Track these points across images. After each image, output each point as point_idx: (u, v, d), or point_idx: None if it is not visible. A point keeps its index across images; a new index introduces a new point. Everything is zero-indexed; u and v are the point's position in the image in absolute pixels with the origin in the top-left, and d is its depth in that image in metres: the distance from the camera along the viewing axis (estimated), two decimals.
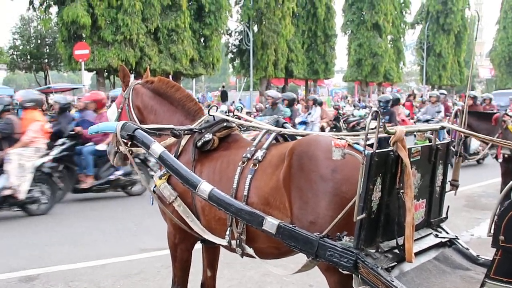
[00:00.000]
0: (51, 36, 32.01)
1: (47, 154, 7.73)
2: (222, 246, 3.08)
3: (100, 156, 8.21)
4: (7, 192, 7.05)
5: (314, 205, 2.51)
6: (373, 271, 2.26)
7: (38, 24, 31.57)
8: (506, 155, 7.23)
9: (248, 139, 3.34)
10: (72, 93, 26.30)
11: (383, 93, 29.72)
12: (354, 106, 23.09)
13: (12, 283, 4.78)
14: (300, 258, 2.66)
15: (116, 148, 3.53)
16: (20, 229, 6.79)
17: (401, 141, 2.32)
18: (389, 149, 2.37)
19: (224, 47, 32.82)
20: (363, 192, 2.25)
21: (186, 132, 3.23)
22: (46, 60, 32.72)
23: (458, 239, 2.90)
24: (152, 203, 3.30)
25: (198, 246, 3.43)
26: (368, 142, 2.28)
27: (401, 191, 2.40)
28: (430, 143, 2.82)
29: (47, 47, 33.02)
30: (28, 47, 33.00)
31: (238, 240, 2.85)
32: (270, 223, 2.56)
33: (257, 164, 2.82)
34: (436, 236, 2.83)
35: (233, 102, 28.99)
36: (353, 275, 2.35)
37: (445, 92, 17.02)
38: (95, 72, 24.62)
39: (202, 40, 26.55)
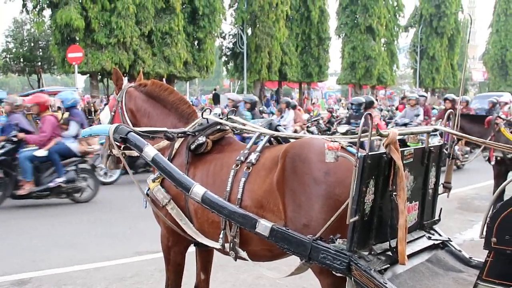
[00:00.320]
0: (44, 39, 31.97)
1: None
2: (216, 249, 3.07)
3: (42, 161, 7.99)
4: None
5: (307, 208, 2.51)
6: (366, 273, 2.26)
7: (31, 27, 31.54)
8: (498, 158, 7.28)
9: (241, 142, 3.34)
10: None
11: (376, 95, 29.73)
12: (347, 109, 23.09)
13: (4, 287, 4.74)
14: (293, 261, 2.66)
15: (109, 151, 3.50)
16: (12, 232, 6.75)
17: (394, 144, 2.32)
18: (382, 151, 2.38)
19: (218, 50, 32.77)
20: (356, 194, 2.25)
21: (179, 135, 3.22)
22: (40, 63, 32.67)
23: (451, 241, 2.92)
24: (146, 206, 3.29)
25: (192, 249, 3.42)
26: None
27: (394, 193, 2.40)
28: (423, 146, 2.83)
29: (40, 50, 32.96)
30: (21, 50, 32.96)
31: (231, 243, 2.85)
32: (263, 226, 2.56)
33: (251, 167, 2.82)
34: (429, 238, 2.84)
35: (227, 105, 28.88)
36: (346, 277, 2.36)
37: (425, 94, 16.64)
38: (88, 75, 24.53)
39: (196, 43, 26.50)
